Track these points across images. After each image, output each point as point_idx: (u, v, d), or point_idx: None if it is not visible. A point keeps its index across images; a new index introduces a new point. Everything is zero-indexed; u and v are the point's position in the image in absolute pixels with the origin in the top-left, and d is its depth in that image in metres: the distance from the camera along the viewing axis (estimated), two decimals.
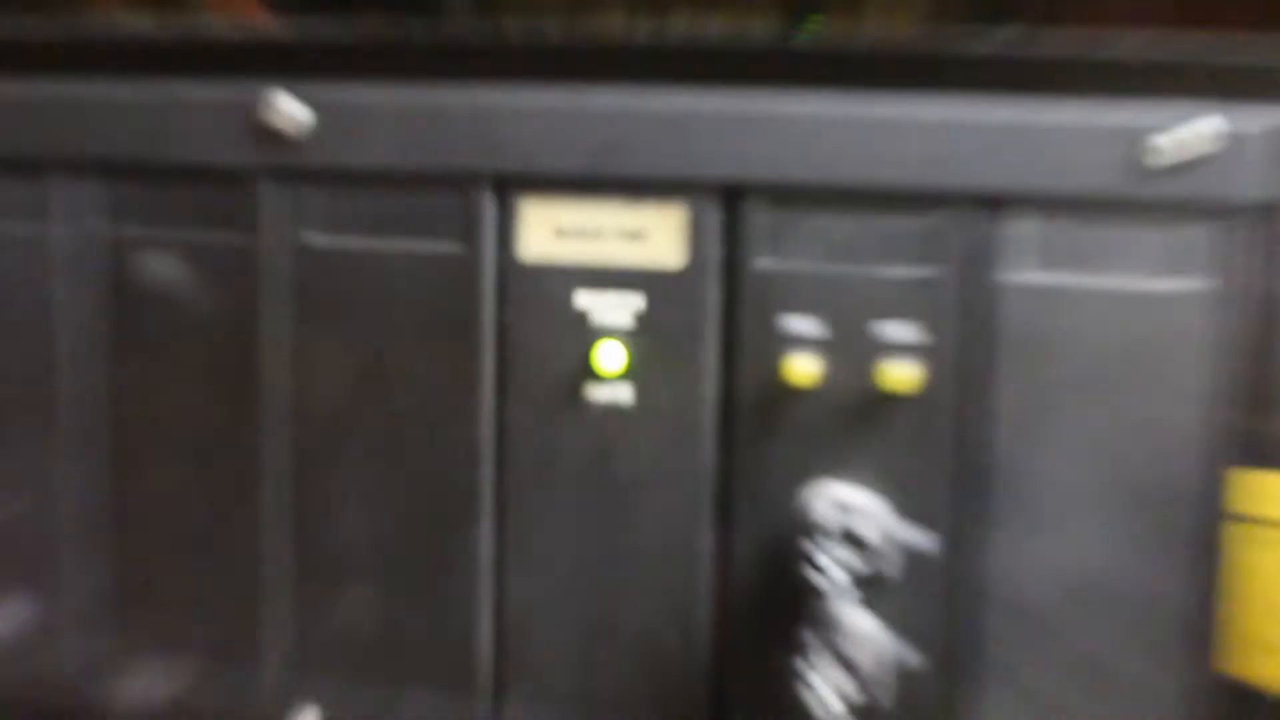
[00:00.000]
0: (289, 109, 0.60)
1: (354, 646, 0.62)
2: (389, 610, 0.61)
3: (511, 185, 0.60)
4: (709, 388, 0.59)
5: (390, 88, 0.60)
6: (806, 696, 0.52)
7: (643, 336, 0.59)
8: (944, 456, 0.57)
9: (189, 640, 0.63)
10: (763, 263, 0.58)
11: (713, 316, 0.59)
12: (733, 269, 0.58)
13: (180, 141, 0.61)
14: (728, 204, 0.58)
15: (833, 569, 0.55)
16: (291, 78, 0.60)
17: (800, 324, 0.58)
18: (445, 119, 0.59)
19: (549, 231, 0.60)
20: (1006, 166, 0.55)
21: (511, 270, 0.60)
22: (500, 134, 0.59)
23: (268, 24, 0.71)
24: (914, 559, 0.57)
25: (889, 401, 0.57)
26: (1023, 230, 0.56)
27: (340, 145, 0.60)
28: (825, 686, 0.52)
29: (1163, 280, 0.55)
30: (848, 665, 0.52)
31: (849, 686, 0.52)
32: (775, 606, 0.58)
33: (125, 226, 0.63)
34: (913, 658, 0.56)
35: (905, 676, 0.55)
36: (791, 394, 0.58)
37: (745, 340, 0.58)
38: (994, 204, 0.56)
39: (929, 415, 0.57)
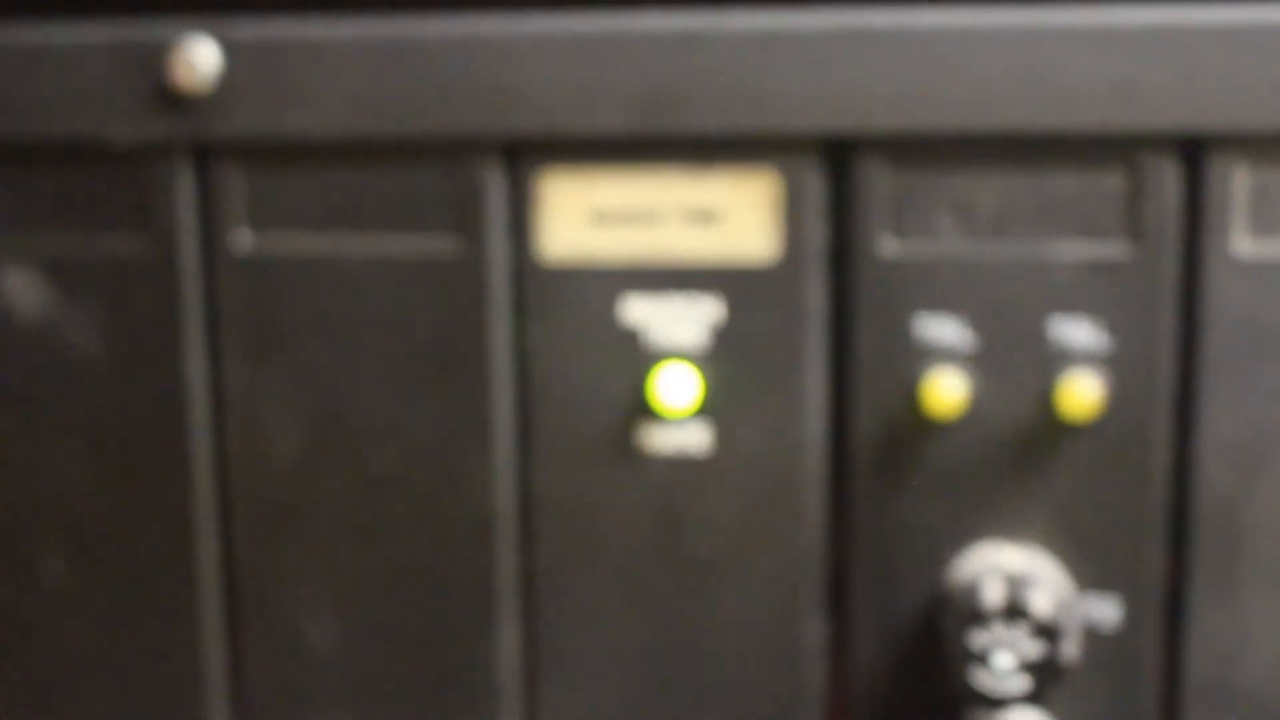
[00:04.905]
0: (203, 56, 0.56)
1: None
2: None
3: (528, 154, 0.56)
4: (815, 424, 0.56)
5: (348, 20, 0.56)
6: None
7: (720, 358, 0.56)
8: (1136, 504, 0.55)
9: None
10: (886, 247, 0.55)
11: (818, 325, 0.56)
12: (844, 257, 0.56)
13: (46, 109, 0.57)
14: (834, 166, 0.55)
15: (999, 662, 0.52)
16: (205, 12, 0.57)
17: (941, 329, 0.55)
18: (431, 63, 0.56)
19: (583, 217, 0.56)
20: (1222, 97, 0.52)
21: (532, 273, 0.57)
22: (510, 81, 0.55)
23: None
24: (1100, 640, 0.55)
25: (1063, 432, 0.55)
26: (1245, 185, 0.53)
27: (278, 106, 0.56)
28: None
29: None
30: None
31: None
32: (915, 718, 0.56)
33: None
34: None
35: None
36: (931, 427, 0.55)
37: (865, 356, 0.56)
38: (1201, 149, 0.53)
39: (1117, 448, 0.55)
